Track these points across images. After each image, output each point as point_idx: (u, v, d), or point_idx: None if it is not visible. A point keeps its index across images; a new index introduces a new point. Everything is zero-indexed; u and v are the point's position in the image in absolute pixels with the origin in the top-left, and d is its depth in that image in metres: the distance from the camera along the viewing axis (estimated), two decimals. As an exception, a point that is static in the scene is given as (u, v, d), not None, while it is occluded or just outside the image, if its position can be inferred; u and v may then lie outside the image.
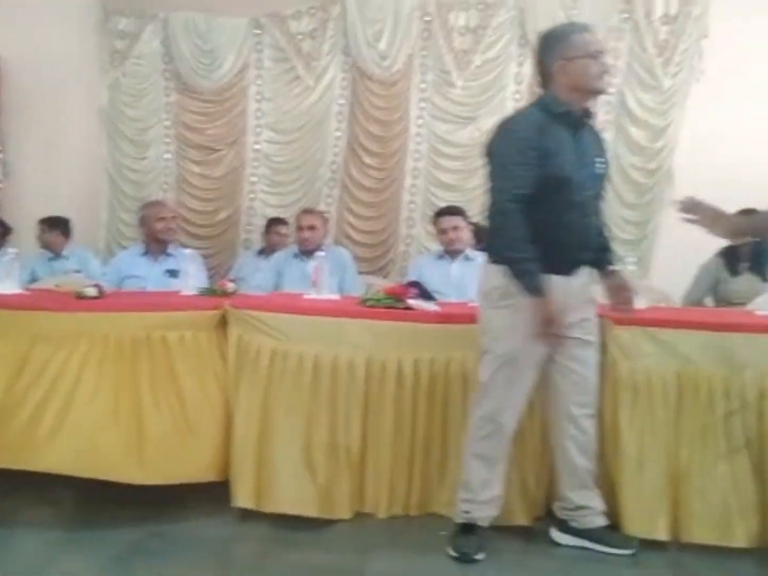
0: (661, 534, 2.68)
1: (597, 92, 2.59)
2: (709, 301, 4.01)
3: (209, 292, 3.35)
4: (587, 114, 2.62)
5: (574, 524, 2.70)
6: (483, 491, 2.63)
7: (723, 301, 3.91)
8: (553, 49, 2.54)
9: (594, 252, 2.64)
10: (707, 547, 2.65)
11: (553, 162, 2.46)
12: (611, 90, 4.82)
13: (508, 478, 2.70)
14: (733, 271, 3.90)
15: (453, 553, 2.60)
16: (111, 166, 5.37)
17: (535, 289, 2.43)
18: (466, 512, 2.66)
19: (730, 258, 3.94)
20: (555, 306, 2.43)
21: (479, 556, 2.58)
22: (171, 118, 5.36)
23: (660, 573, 2.55)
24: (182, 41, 5.24)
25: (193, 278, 3.51)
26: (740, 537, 2.64)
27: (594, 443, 2.68)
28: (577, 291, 2.59)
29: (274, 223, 4.98)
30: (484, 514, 2.66)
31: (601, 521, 2.68)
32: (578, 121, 2.57)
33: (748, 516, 2.66)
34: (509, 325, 2.52)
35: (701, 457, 2.70)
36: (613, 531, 2.68)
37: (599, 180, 2.62)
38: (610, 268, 2.70)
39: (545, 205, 2.46)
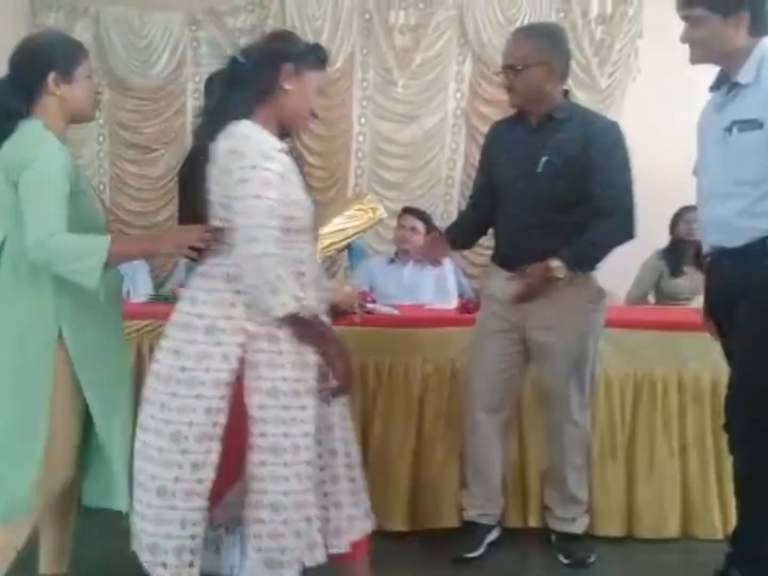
0: (619, 531, 2.77)
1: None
2: (650, 297, 4.11)
3: (160, 298, 3.28)
4: (549, 116, 2.55)
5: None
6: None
7: (666, 298, 4.00)
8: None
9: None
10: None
11: (493, 169, 2.67)
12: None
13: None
14: (676, 268, 3.98)
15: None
16: (45, 165, 5.18)
17: None
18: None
19: (673, 256, 4.02)
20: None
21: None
22: (105, 117, 5.19)
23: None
24: (115, 37, 5.06)
25: (141, 284, 3.45)
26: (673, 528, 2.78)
27: (563, 451, 2.62)
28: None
29: None
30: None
31: (557, 525, 2.70)
32: (535, 123, 2.56)
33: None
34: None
35: (658, 454, 2.78)
36: (566, 539, 2.67)
37: (540, 179, 2.49)
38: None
39: (494, 205, 2.67)
